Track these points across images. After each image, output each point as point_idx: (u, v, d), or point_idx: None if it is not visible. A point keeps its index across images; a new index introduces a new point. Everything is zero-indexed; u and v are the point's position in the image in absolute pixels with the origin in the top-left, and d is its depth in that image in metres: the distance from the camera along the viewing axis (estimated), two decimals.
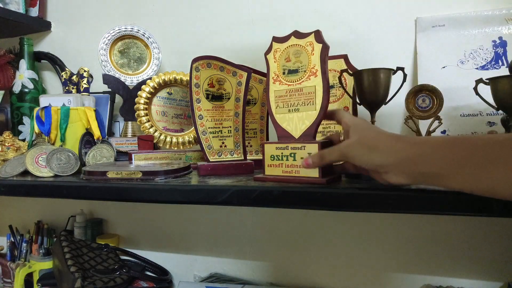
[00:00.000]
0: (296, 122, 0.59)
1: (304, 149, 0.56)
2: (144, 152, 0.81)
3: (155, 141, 0.85)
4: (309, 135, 0.58)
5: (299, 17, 0.96)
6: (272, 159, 0.59)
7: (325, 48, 0.57)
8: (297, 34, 0.60)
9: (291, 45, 0.60)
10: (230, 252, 1.05)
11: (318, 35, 0.58)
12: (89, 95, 0.95)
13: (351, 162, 0.51)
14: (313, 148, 0.56)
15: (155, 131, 0.85)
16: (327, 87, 0.57)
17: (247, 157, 0.74)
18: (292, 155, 0.57)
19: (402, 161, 0.45)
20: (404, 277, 0.90)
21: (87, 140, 0.80)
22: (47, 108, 0.80)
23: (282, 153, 0.58)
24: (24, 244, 1.19)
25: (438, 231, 0.86)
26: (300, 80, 0.59)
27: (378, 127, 0.52)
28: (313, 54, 0.58)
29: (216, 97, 0.70)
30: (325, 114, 0.58)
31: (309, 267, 0.98)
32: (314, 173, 0.56)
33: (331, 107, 0.72)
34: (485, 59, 0.79)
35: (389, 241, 0.90)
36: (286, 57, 0.61)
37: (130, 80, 0.98)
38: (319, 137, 0.68)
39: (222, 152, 0.71)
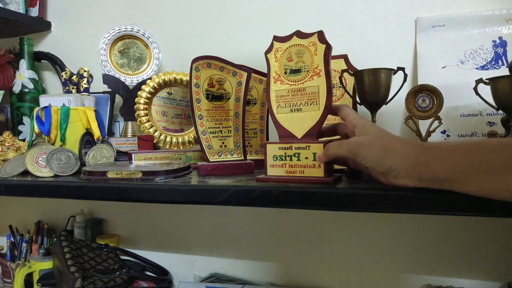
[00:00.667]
0: (298, 122, 0.59)
1: (309, 149, 0.56)
2: (144, 152, 0.81)
3: (155, 141, 0.85)
4: (312, 135, 0.58)
5: (299, 17, 0.96)
6: (274, 159, 0.59)
7: (329, 48, 0.57)
8: (300, 34, 0.60)
9: (293, 45, 0.60)
10: (230, 252, 1.05)
11: (321, 36, 0.58)
12: (89, 95, 0.95)
13: (358, 160, 0.50)
14: (318, 148, 0.56)
15: (155, 131, 0.85)
16: (330, 87, 0.57)
17: (247, 157, 0.74)
18: (296, 155, 0.57)
19: (417, 166, 0.45)
20: (404, 277, 0.90)
21: (87, 140, 0.80)
22: (47, 108, 0.80)
23: (285, 153, 0.58)
24: (24, 244, 1.19)
25: (438, 231, 0.86)
26: (302, 80, 0.59)
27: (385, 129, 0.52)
28: (316, 54, 0.58)
29: (216, 97, 0.70)
30: (328, 114, 0.58)
31: (309, 267, 0.98)
32: (319, 172, 0.56)
33: None
34: (485, 59, 0.79)
35: (389, 241, 0.90)
36: (288, 56, 0.61)
37: (130, 80, 0.98)
38: None
39: (222, 152, 0.71)
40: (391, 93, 0.67)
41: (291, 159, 0.58)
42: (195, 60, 0.68)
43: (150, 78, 0.88)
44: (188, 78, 0.74)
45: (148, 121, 0.85)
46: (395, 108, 0.79)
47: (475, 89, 0.63)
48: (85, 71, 0.97)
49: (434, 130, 0.66)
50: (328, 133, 0.62)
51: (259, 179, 0.60)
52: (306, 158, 0.56)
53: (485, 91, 0.62)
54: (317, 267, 0.97)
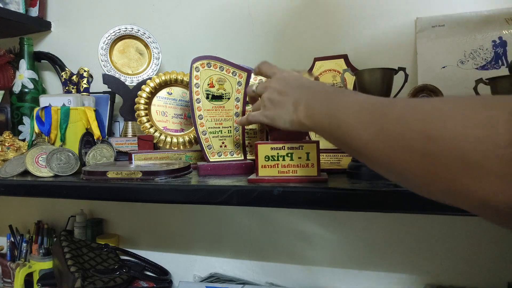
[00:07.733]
0: None
1: (302, 148, 0.57)
2: (144, 152, 0.81)
3: (155, 141, 0.85)
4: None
5: (299, 17, 0.96)
6: (266, 159, 0.58)
7: None
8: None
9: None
10: (230, 252, 1.05)
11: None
12: (89, 95, 0.95)
13: None
14: (311, 148, 0.56)
15: (155, 131, 0.85)
16: None
17: (247, 157, 0.74)
18: (289, 155, 0.57)
19: None
20: (404, 277, 0.90)
21: (87, 140, 0.80)
22: (47, 108, 0.80)
23: (278, 153, 0.58)
24: (24, 244, 1.19)
25: (438, 231, 0.86)
26: None
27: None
28: None
29: (216, 97, 0.70)
30: None
31: (309, 267, 0.98)
32: (313, 172, 0.56)
33: None
34: (485, 59, 0.79)
35: (389, 241, 0.90)
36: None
37: (130, 80, 0.98)
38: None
39: (222, 152, 0.71)
40: (392, 93, 0.67)
41: (283, 159, 0.57)
42: (195, 60, 0.68)
43: (150, 78, 0.87)
44: (188, 78, 0.74)
45: (148, 121, 0.85)
46: None
47: (475, 89, 0.63)
48: (85, 71, 0.97)
49: None
50: None
51: (250, 180, 0.59)
52: (300, 157, 0.57)
53: (485, 91, 0.62)
54: (317, 267, 0.97)
